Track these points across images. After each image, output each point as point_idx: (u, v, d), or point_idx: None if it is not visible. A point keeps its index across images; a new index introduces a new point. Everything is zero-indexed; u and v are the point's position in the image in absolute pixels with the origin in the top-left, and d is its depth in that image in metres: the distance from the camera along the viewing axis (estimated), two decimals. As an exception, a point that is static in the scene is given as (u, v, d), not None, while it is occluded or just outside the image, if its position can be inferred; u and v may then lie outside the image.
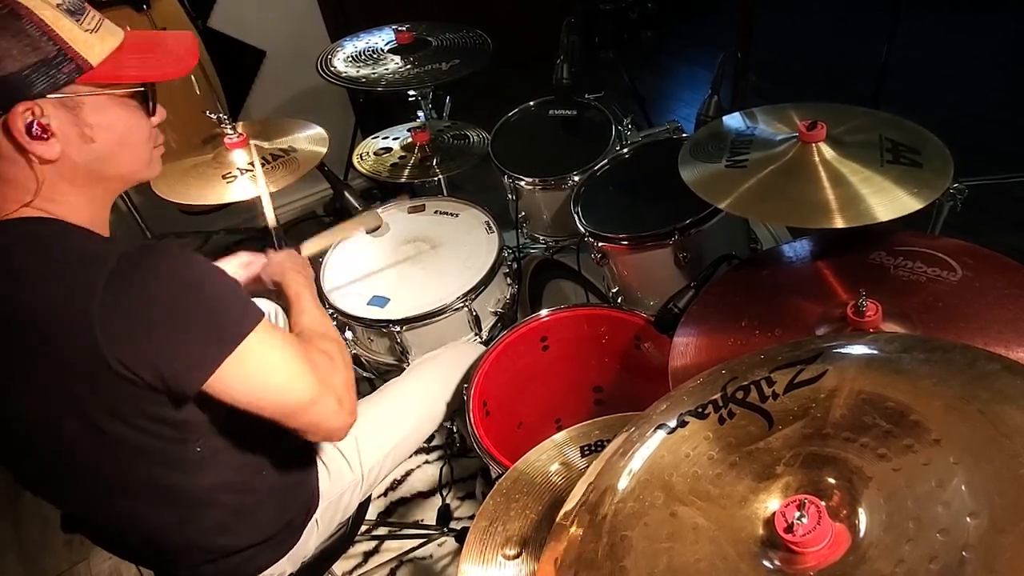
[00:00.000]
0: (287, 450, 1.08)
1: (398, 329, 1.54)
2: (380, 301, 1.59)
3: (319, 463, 1.19)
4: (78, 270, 0.77)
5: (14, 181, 0.80)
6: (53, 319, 0.75)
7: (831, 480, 0.63)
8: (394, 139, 2.14)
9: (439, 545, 1.80)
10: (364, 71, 1.93)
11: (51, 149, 0.78)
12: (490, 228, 1.74)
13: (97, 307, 0.74)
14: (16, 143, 0.76)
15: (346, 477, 1.22)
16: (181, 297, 0.79)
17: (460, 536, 1.72)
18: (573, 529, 0.72)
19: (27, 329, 0.77)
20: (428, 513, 1.87)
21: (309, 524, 1.15)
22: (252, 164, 1.60)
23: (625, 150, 1.69)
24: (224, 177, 1.61)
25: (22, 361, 0.79)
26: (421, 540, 1.81)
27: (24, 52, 0.74)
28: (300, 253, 1.31)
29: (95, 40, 0.79)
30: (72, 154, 0.81)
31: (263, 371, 0.85)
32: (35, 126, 0.76)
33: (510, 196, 1.81)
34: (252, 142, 1.69)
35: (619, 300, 1.58)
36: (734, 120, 1.33)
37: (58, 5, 0.77)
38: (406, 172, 1.99)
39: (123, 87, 0.83)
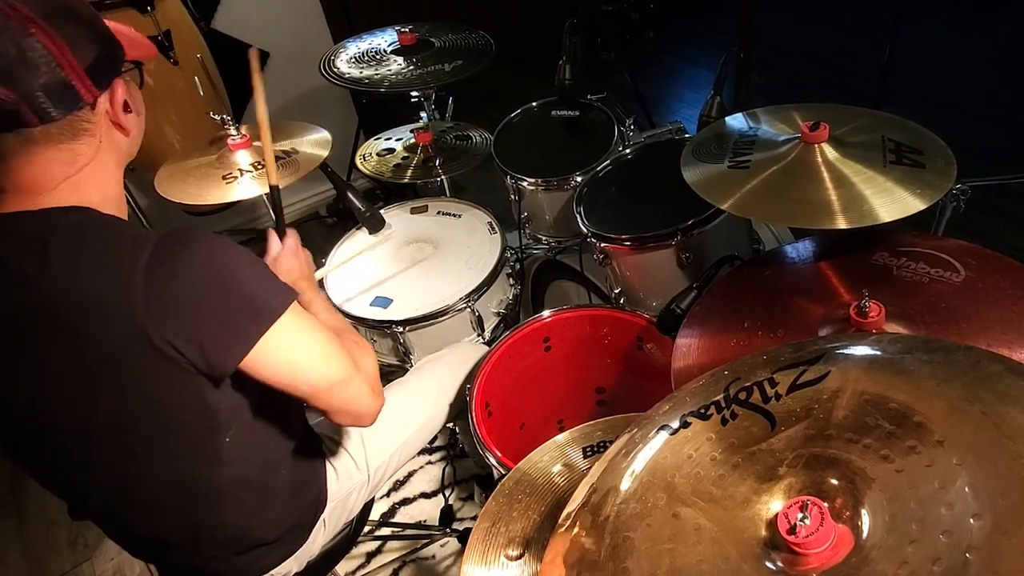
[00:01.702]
0: (300, 450, 1.09)
1: (401, 330, 1.54)
2: (383, 302, 1.59)
3: (328, 464, 1.19)
4: (117, 255, 0.78)
5: (71, 158, 0.81)
6: (94, 305, 0.77)
7: (834, 481, 0.63)
8: (397, 140, 2.14)
9: (442, 546, 1.80)
10: (367, 72, 1.93)
11: (133, 121, 0.87)
12: (493, 229, 1.75)
13: (140, 289, 0.76)
14: (112, 120, 0.84)
15: (353, 477, 1.23)
16: (219, 276, 0.81)
17: (463, 537, 1.72)
18: (575, 530, 0.72)
19: (64, 318, 0.78)
20: (431, 514, 1.87)
21: (317, 524, 1.15)
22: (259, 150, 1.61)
23: (627, 151, 1.69)
24: (224, 178, 1.61)
25: (57, 350, 0.80)
26: (424, 541, 1.82)
27: (93, 40, 0.79)
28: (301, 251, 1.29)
29: (109, 24, 0.84)
30: (131, 127, 0.88)
31: (299, 348, 0.88)
32: (126, 103, 0.84)
33: (513, 197, 1.81)
34: (255, 142, 1.69)
35: (621, 301, 1.58)
36: (736, 121, 1.33)
37: None
38: (409, 173, 1.99)
39: (137, 63, 0.89)
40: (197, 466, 0.93)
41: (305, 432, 1.15)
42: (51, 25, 0.74)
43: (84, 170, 0.83)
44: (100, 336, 0.78)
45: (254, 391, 0.91)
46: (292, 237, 1.22)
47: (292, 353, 0.87)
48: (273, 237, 1.20)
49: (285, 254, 1.19)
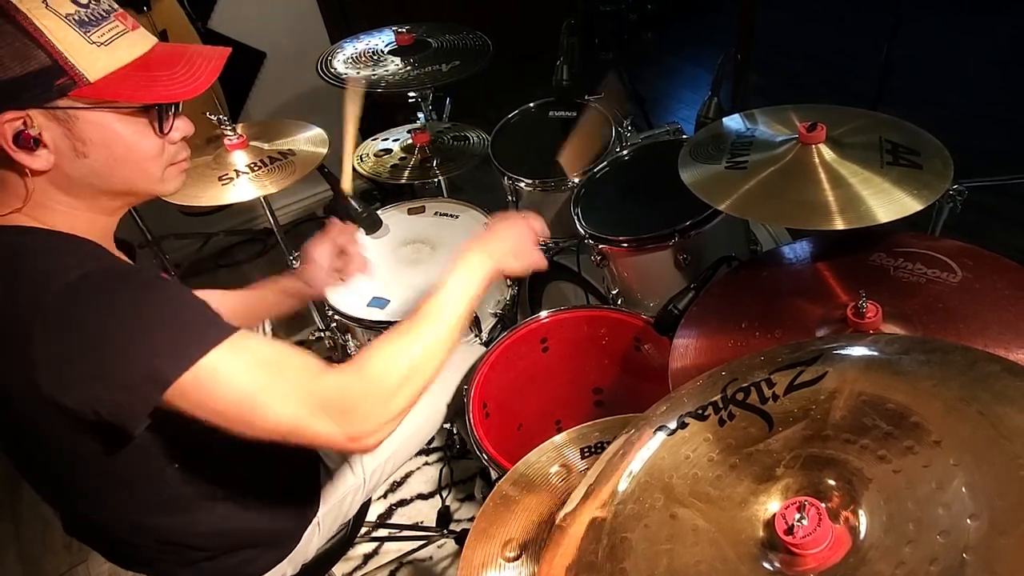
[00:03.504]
0: (286, 452, 1.07)
1: (398, 330, 1.54)
2: (380, 303, 1.59)
3: (322, 465, 1.19)
4: (31, 288, 0.72)
5: (3, 187, 0.77)
6: (7, 336, 0.72)
7: (831, 482, 0.63)
8: (394, 140, 2.14)
9: (439, 547, 1.80)
10: (364, 72, 1.93)
11: (40, 160, 0.75)
12: (490, 229, 1.74)
13: (38, 329, 0.70)
14: (2, 152, 0.73)
15: (348, 480, 1.22)
16: (114, 336, 0.72)
17: (460, 538, 1.72)
18: (573, 531, 0.71)
19: None
20: (428, 515, 1.87)
21: (311, 526, 1.15)
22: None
23: (625, 152, 1.69)
24: (220, 179, 1.61)
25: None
26: (421, 542, 1.81)
27: (14, 60, 0.71)
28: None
29: (101, 53, 0.75)
30: (65, 167, 0.77)
31: (210, 403, 0.75)
32: (22, 136, 0.73)
33: (510, 197, 1.81)
34: (252, 143, 1.69)
35: (619, 302, 1.58)
36: (734, 121, 1.33)
37: (68, 15, 0.74)
38: (406, 173, 1.99)
39: (121, 105, 0.78)
40: (150, 489, 0.90)
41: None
42: None
43: (32, 196, 0.77)
44: (12, 369, 0.72)
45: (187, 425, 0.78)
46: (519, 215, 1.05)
47: (205, 407, 0.75)
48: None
49: (502, 224, 1.02)
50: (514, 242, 1.02)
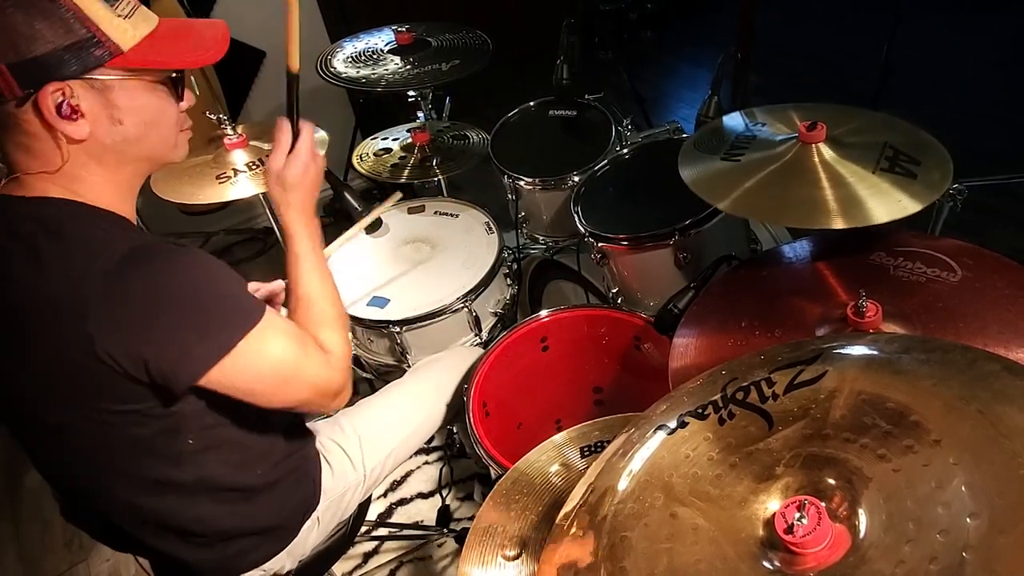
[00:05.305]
0: (287, 446, 1.09)
1: (398, 330, 1.54)
2: (380, 302, 1.59)
3: (323, 460, 1.19)
4: (84, 257, 0.78)
5: (40, 156, 0.82)
6: (54, 302, 0.77)
7: (831, 481, 0.63)
8: (394, 140, 2.14)
9: (439, 546, 1.80)
10: (364, 72, 1.93)
11: (79, 129, 0.81)
12: (490, 229, 1.74)
13: (94, 298, 0.76)
14: (45, 121, 0.79)
15: (349, 476, 1.22)
16: (175, 297, 0.81)
17: (460, 537, 1.72)
18: (573, 530, 0.72)
19: (34, 312, 0.79)
20: (428, 514, 1.87)
21: (309, 520, 1.15)
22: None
23: (625, 151, 1.69)
24: (218, 178, 1.61)
25: (29, 343, 0.81)
26: (421, 541, 1.81)
27: (57, 34, 0.76)
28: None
29: (127, 26, 0.81)
30: (101, 135, 0.83)
31: (254, 373, 0.87)
32: (65, 106, 0.78)
33: (510, 196, 1.81)
34: (252, 142, 1.69)
35: (619, 301, 1.58)
36: (734, 120, 1.33)
37: None
38: (406, 173, 1.99)
39: (152, 73, 0.85)
40: (159, 465, 0.93)
41: (294, 428, 1.13)
42: None
43: (65, 166, 0.82)
44: (58, 334, 0.78)
45: (216, 400, 0.90)
46: (307, 132, 1.08)
47: (246, 378, 0.87)
48: (284, 132, 1.07)
49: (296, 155, 1.06)
50: (306, 186, 1.07)
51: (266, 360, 0.87)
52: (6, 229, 0.81)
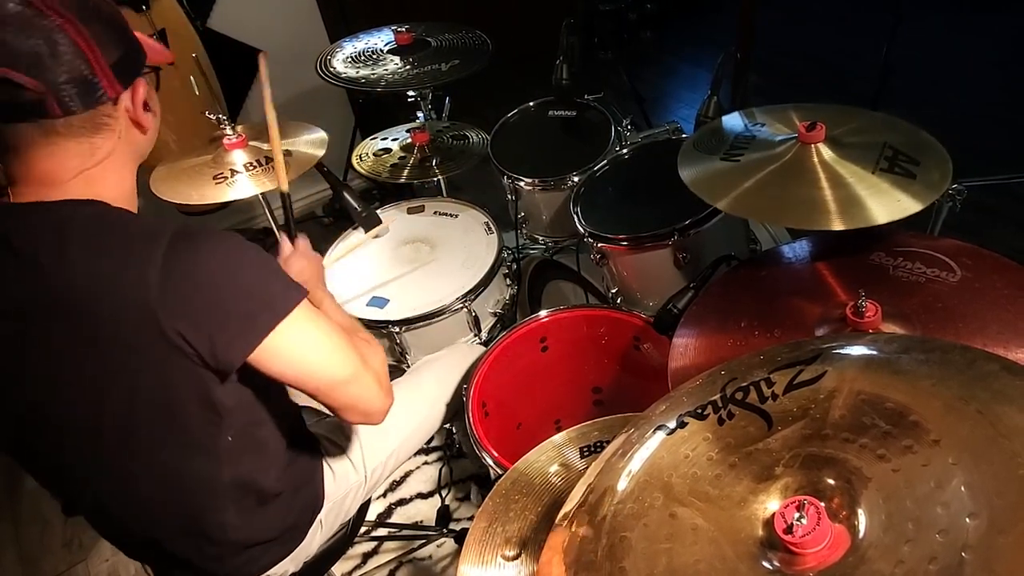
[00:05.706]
0: (297, 451, 1.10)
1: (397, 330, 1.54)
2: (379, 302, 1.59)
3: (325, 465, 1.19)
4: (134, 248, 0.80)
5: (81, 154, 0.83)
6: (109, 295, 0.78)
7: (830, 481, 0.63)
8: (393, 140, 2.14)
9: (438, 546, 1.80)
10: (363, 72, 1.93)
11: (150, 119, 0.89)
12: (489, 229, 1.74)
13: (156, 281, 0.77)
14: (130, 118, 0.86)
15: (351, 478, 1.23)
16: (232, 271, 0.83)
17: (459, 537, 1.72)
18: (572, 530, 0.71)
19: (79, 308, 0.79)
20: (427, 514, 1.87)
21: (314, 524, 1.15)
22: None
23: (625, 151, 1.69)
24: (215, 178, 1.61)
25: (70, 339, 0.81)
26: (420, 541, 1.81)
27: (125, 37, 0.83)
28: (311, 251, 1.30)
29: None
30: (149, 126, 0.90)
31: (307, 344, 0.89)
32: (145, 100, 0.86)
33: (509, 197, 1.81)
34: (251, 142, 1.69)
35: (618, 301, 1.58)
36: (733, 120, 1.33)
37: None
38: (405, 173, 1.99)
39: (154, 67, 0.91)
40: (199, 463, 0.93)
41: (302, 434, 1.15)
42: (82, 22, 0.77)
43: (100, 165, 0.84)
44: (114, 326, 0.79)
45: (259, 391, 0.93)
46: (303, 240, 1.24)
47: (301, 349, 0.88)
48: (284, 240, 1.24)
49: (296, 255, 1.21)
50: (306, 278, 1.15)
51: (322, 327, 0.90)
52: (31, 235, 0.80)
